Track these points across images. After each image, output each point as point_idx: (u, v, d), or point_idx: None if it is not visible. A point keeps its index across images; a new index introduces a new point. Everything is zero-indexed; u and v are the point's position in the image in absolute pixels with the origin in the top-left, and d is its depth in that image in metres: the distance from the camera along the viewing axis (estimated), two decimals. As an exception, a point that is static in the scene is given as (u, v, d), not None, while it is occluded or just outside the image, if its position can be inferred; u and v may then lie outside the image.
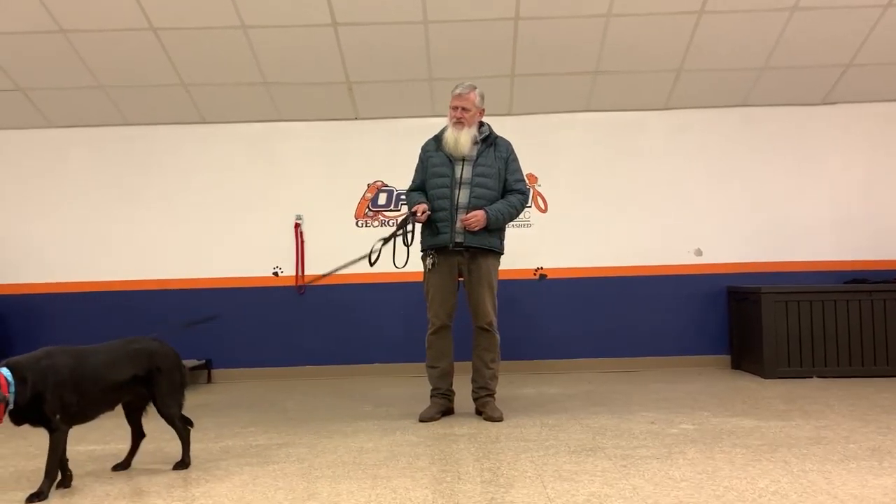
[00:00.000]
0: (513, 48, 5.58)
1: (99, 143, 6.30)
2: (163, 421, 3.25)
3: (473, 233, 4.11)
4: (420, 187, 4.34)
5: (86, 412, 3.02)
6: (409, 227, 4.26)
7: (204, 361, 6.13)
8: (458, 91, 4.22)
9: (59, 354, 2.94)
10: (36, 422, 2.88)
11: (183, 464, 3.28)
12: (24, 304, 6.16)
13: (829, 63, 5.82)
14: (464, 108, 4.18)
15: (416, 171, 4.40)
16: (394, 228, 4.35)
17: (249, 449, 3.64)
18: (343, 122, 6.33)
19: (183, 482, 3.06)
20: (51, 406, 2.83)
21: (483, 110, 4.29)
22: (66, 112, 6.13)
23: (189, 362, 5.92)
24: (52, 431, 2.88)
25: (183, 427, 3.30)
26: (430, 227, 4.23)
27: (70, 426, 2.96)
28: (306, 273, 6.25)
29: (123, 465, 3.31)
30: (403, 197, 6.05)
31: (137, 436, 3.36)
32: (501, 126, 4.50)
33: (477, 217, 4.07)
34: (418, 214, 4.16)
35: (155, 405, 3.24)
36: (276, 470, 3.22)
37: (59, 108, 6.09)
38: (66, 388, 2.88)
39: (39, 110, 6.09)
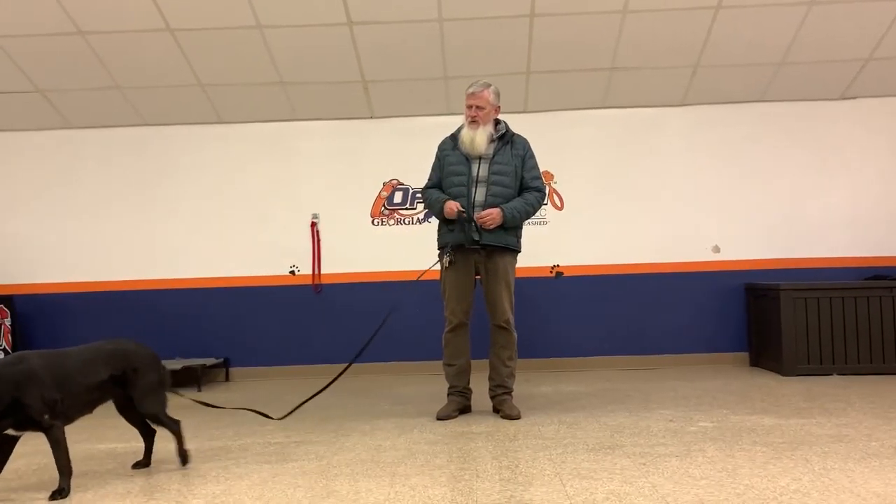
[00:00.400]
0: (528, 45, 5.56)
1: (117, 143, 6.35)
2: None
3: (490, 231, 4.10)
4: (437, 185, 4.34)
5: (66, 413, 2.98)
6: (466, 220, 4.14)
7: (222, 360, 6.16)
8: (471, 90, 4.21)
9: (33, 358, 2.93)
10: (26, 427, 2.88)
11: (183, 457, 3.28)
12: (43, 304, 6.22)
13: (847, 58, 5.76)
14: (478, 107, 4.17)
15: (433, 168, 4.39)
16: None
17: (268, 447, 3.66)
18: (359, 121, 6.35)
19: (202, 480, 3.08)
20: (35, 409, 2.82)
21: (498, 107, 4.28)
22: (84, 113, 6.18)
23: (207, 361, 5.98)
24: (47, 431, 2.88)
25: (171, 421, 3.27)
26: (446, 225, 4.22)
27: (64, 422, 2.95)
28: (322, 272, 6.27)
29: (143, 464, 3.33)
30: (419, 195, 6.06)
31: (146, 434, 3.37)
32: (517, 124, 4.49)
33: (492, 215, 4.06)
34: (461, 209, 4.10)
35: (136, 406, 3.21)
36: (294, 468, 3.23)
37: (77, 109, 6.14)
38: (45, 388, 2.86)
39: (58, 111, 6.14)
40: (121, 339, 3.31)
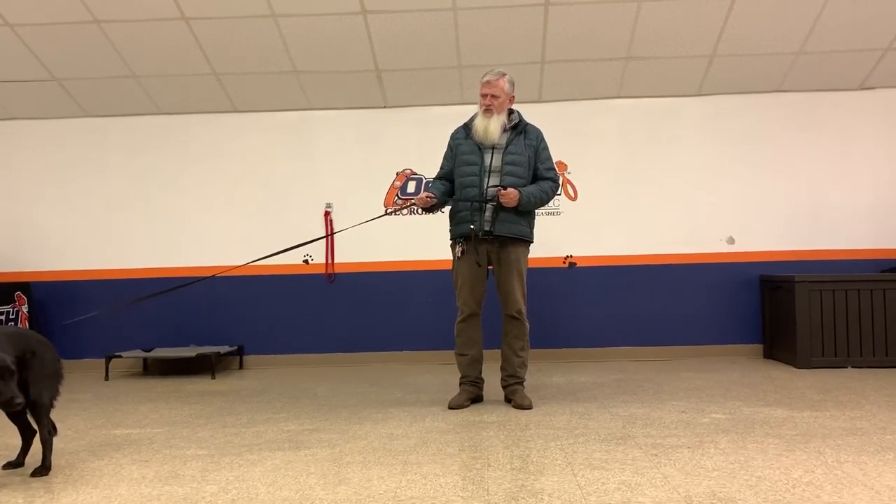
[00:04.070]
0: (543, 35, 5.53)
1: (132, 132, 6.40)
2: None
3: (502, 221, 4.09)
4: (446, 176, 4.34)
5: None
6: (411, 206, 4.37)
7: (236, 347, 6.20)
8: (487, 78, 4.20)
9: None
10: None
11: (42, 468, 2.99)
12: (60, 291, 6.29)
13: (866, 47, 5.70)
14: (493, 95, 4.16)
15: (445, 157, 4.39)
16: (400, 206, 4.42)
17: (281, 434, 3.68)
18: (372, 111, 6.35)
19: (216, 466, 3.10)
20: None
21: (513, 97, 4.26)
22: (101, 101, 6.22)
23: (221, 348, 6.02)
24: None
25: (50, 422, 3.03)
26: (458, 214, 4.22)
27: None
28: (336, 261, 6.29)
29: (16, 464, 3.09)
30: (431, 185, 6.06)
31: (26, 430, 3.12)
32: (531, 113, 4.48)
33: (510, 194, 4.04)
34: (418, 198, 4.30)
35: (26, 393, 2.89)
36: (307, 455, 3.25)
37: (93, 98, 6.18)
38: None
39: (75, 100, 6.19)
40: (18, 327, 3.17)
